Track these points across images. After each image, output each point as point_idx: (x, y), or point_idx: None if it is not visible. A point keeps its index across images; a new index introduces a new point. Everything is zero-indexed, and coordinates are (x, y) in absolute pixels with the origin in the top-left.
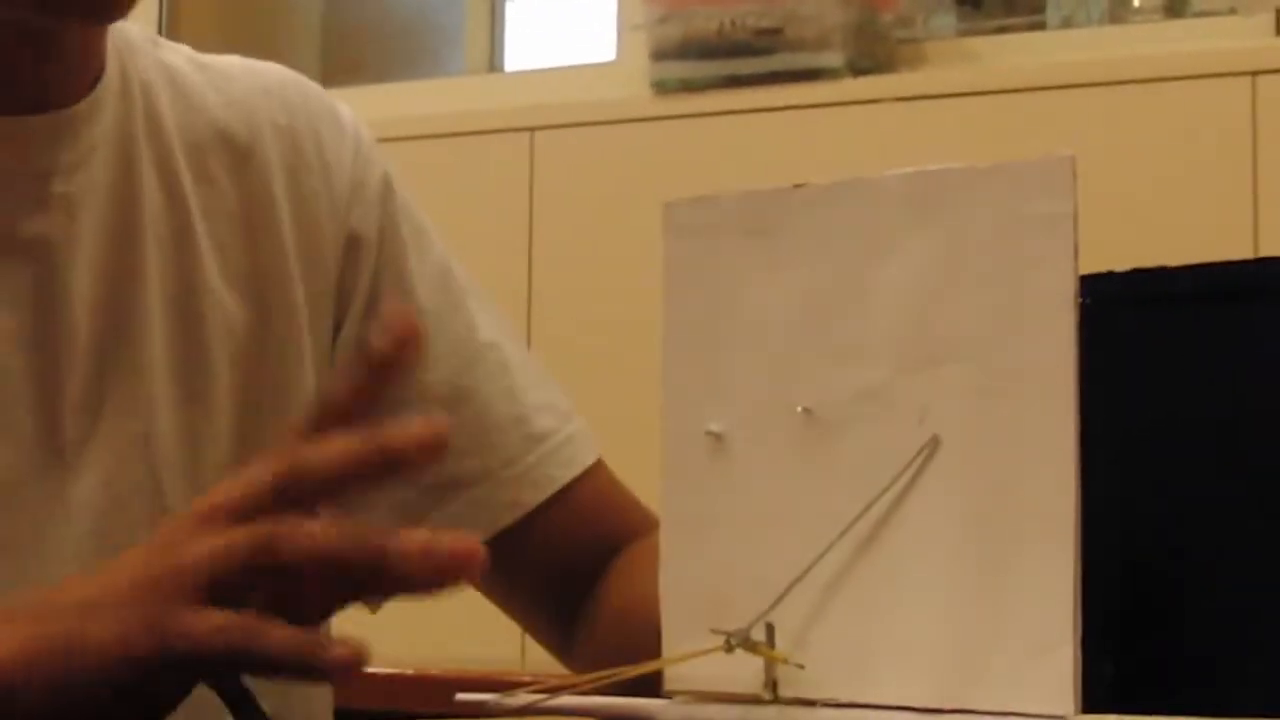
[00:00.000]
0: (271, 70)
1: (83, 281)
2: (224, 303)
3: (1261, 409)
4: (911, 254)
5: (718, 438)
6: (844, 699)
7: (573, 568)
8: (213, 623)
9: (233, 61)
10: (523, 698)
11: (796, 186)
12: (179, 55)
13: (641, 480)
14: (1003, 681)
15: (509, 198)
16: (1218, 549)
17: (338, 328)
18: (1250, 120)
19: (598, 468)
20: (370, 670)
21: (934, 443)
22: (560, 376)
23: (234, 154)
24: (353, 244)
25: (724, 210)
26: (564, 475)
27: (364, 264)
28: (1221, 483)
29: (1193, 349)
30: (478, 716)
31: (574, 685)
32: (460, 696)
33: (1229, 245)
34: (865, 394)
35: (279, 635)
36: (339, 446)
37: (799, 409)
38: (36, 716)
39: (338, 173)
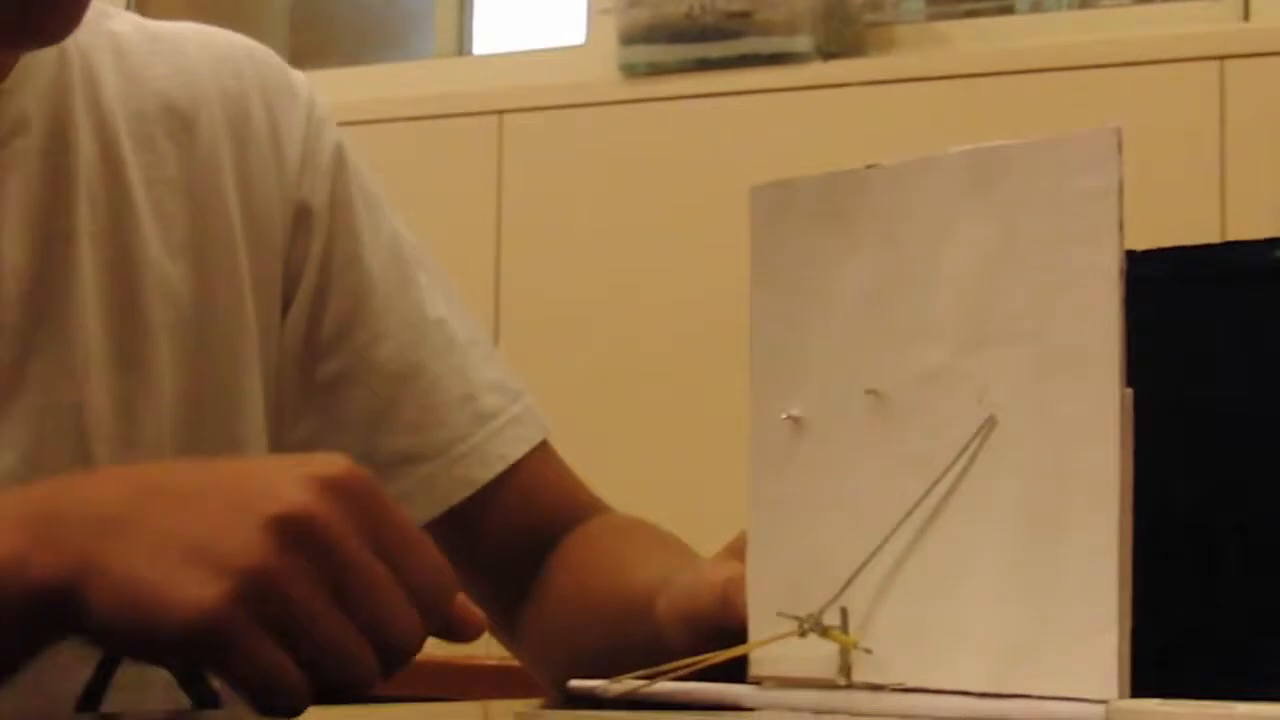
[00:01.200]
0: (225, 38)
1: (9, 249)
2: (164, 271)
3: (1227, 390)
4: (971, 233)
5: (797, 422)
6: (910, 683)
7: (520, 546)
8: (257, 652)
9: (185, 29)
10: (627, 684)
11: (869, 167)
12: (127, 24)
13: (607, 462)
14: (1051, 665)
15: (477, 181)
16: (1186, 530)
17: (287, 299)
18: (1218, 105)
19: (545, 447)
20: None
21: (990, 423)
22: (527, 360)
23: (178, 122)
24: (303, 214)
25: (802, 193)
26: (513, 453)
27: (315, 235)
28: (1189, 464)
29: (1161, 331)
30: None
31: (669, 672)
32: (573, 683)
33: (1197, 229)
34: (929, 375)
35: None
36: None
37: (868, 392)
38: (98, 634)
39: (289, 141)
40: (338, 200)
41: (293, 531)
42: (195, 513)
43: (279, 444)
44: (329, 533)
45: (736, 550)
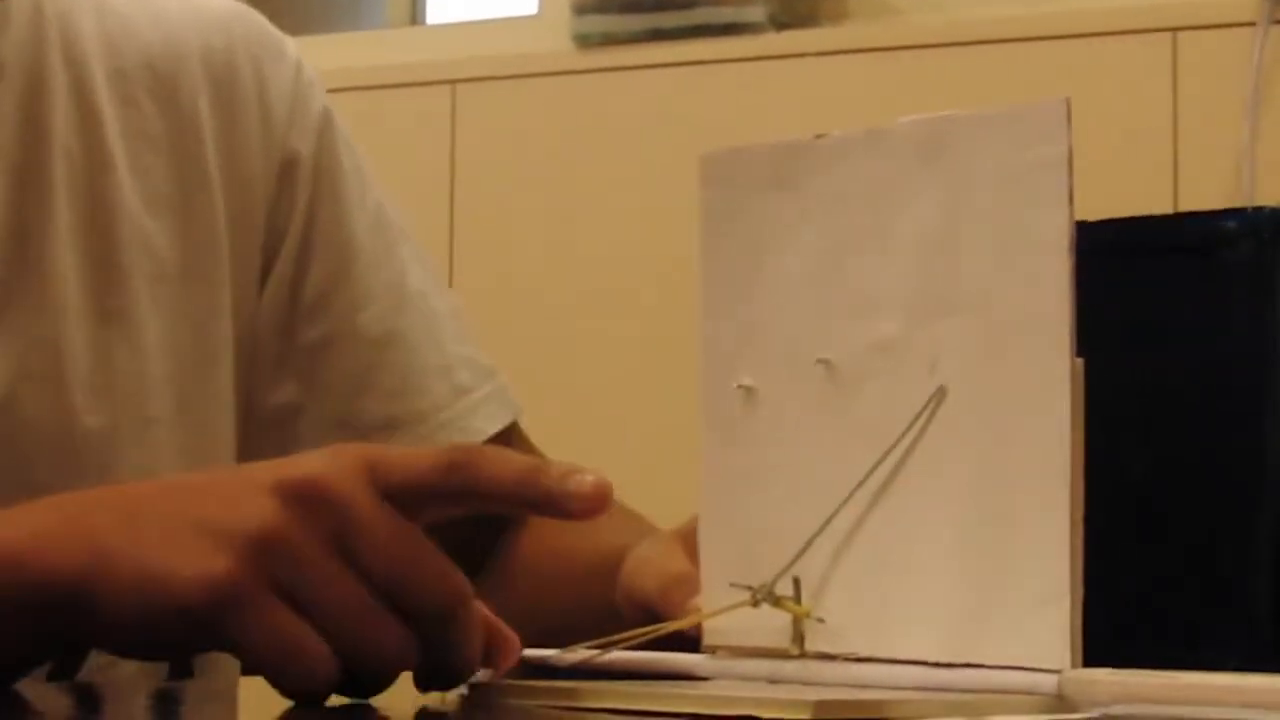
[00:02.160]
0: (212, 1)
1: None
2: (143, 225)
3: (1178, 361)
4: (922, 203)
5: (749, 392)
6: (863, 653)
7: (485, 520)
8: (271, 620)
9: None
10: (581, 653)
11: (818, 136)
12: None
13: (558, 431)
14: (1004, 635)
15: (430, 151)
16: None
17: (271, 256)
18: (1171, 77)
19: (516, 427)
20: None
21: (941, 394)
22: (481, 331)
23: (160, 80)
24: (289, 166)
25: (752, 161)
26: (488, 428)
27: (300, 187)
28: (1141, 435)
29: (1112, 302)
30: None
31: (622, 641)
32: (527, 652)
33: (1149, 201)
34: (880, 345)
35: (315, 665)
36: (514, 468)
37: (819, 361)
38: (108, 629)
39: (276, 97)
40: (324, 160)
41: (299, 493)
42: (202, 498)
43: (255, 407)
44: (338, 495)
45: (686, 537)
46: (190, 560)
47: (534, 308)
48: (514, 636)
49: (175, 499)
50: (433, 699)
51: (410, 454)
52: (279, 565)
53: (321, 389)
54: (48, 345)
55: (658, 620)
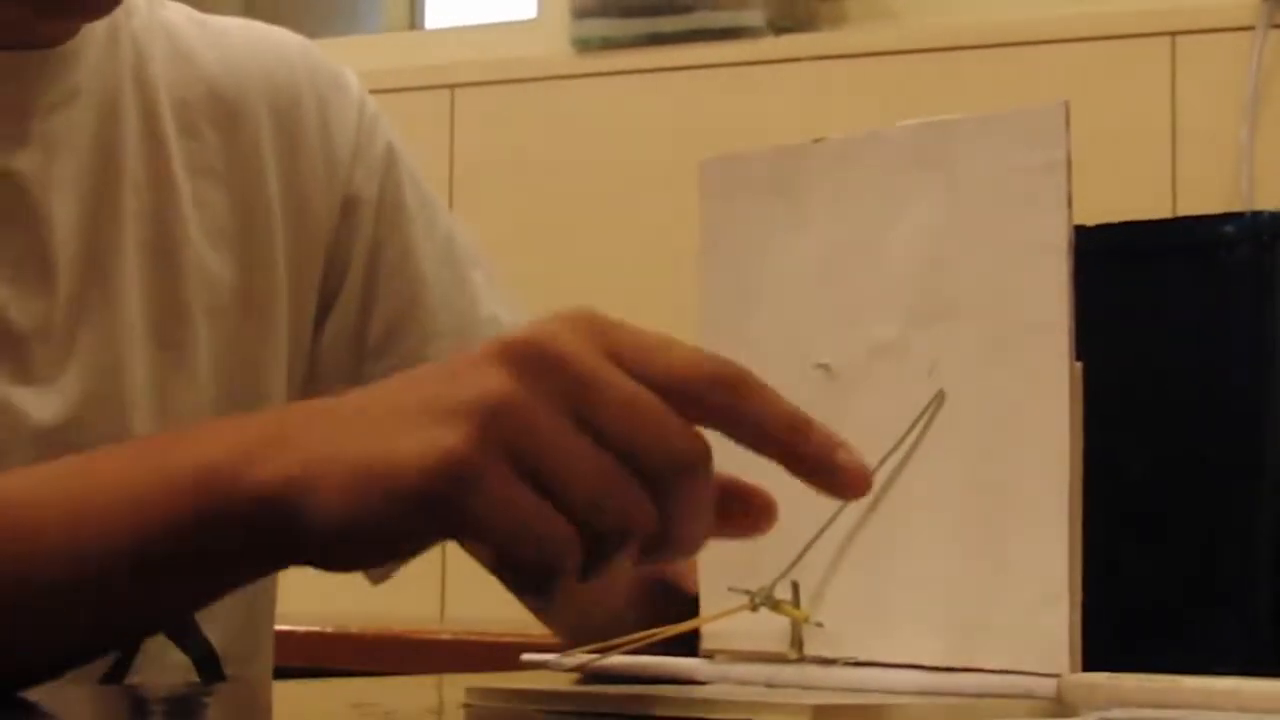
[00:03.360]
0: (276, 33)
1: (61, 216)
2: (203, 257)
3: (1176, 365)
4: (920, 207)
5: None
6: (861, 657)
7: None
8: (511, 494)
9: (235, 22)
10: (580, 657)
11: (816, 141)
12: (179, 14)
13: None
14: (1003, 639)
15: (429, 155)
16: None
17: (333, 293)
18: (1169, 81)
19: None
20: (288, 628)
21: (940, 398)
22: None
23: (223, 110)
24: (350, 206)
25: (751, 166)
26: None
27: (362, 228)
28: (1139, 438)
29: (1111, 305)
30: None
31: (621, 645)
32: (526, 656)
33: (1148, 205)
34: (879, 349)
35: (557, 533)
36: (784, 411)
37: (817, 366)
38: (321, 535)
39: (339, 135)
40: (388, 199)
41: (526, 355)
42: (418, 384)
43: None
44: (569, 354)
45: None
46: (414, 442)
47: (533, 312)
48: (764, 493)
49: (385, 395)
50: (434, 703)
51: (651, 338)
52: (512, 433)
53: None
54: (113, 368)
55: (669, 611)
